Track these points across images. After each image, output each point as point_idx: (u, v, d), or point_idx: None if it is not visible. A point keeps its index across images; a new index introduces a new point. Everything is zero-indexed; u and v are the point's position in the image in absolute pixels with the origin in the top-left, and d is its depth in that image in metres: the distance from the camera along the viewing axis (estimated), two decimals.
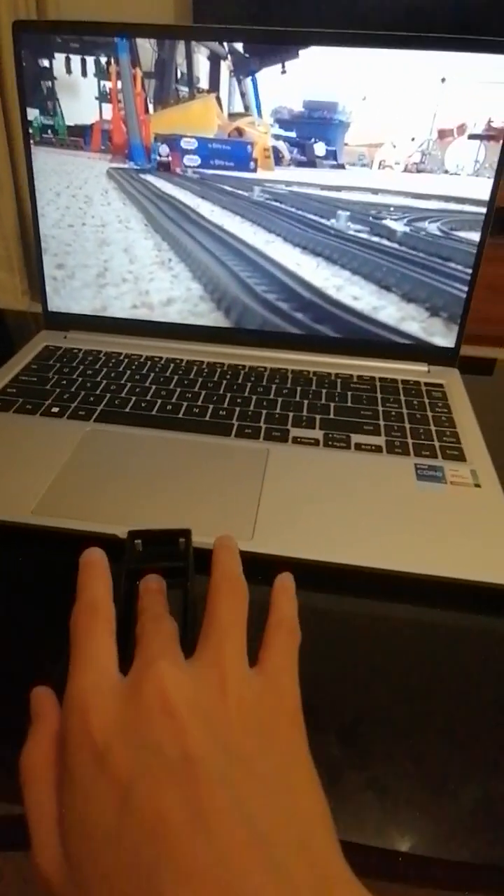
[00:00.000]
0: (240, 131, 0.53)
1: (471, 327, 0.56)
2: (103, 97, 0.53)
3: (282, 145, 0.53)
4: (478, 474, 0.43)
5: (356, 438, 0.47)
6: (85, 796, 0.19)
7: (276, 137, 0.53)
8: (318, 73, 0.50)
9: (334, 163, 0.53)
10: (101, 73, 0.52)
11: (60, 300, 0.61)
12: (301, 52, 0.49)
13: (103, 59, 0.51)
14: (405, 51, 0.48)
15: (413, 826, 0.26)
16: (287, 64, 0.50)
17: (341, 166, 0.53)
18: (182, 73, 0.51)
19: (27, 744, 0.22)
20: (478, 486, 0.42)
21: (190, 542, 0.28)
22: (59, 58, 0.52)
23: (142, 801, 0.18)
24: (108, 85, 0.52)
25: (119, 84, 0.52)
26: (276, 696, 0.22)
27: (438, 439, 0.47)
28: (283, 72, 0.50)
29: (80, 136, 0.55)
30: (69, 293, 0.60)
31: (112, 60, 0.51)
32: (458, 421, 0.49)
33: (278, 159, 0.53)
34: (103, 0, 1.18)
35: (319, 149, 0.53)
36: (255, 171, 0.54)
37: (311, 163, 0.53)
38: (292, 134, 0.52)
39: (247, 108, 0.52)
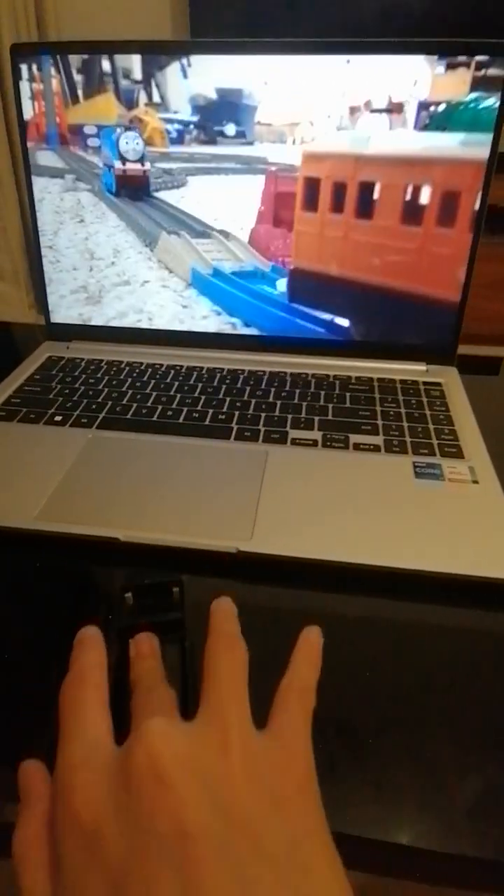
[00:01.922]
0: (139, 120, 0.54)
1: (476, 326, 0.56)
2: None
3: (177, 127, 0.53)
4: (476, 471, 0.43)
5: (354, 438, 0.47)
6: (75, 886, 0.17)
7: (186, 123, 0.53)
8: (226, 68, 0.50)
9: (244, 140, 0.53)
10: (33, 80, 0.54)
11: (60, 314, 0.62)
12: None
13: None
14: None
15: (413, 820, 0.26)
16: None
17: (250, 143, 0.53)
18: (104, 72, 0.52)
19: (18, 827, 0.20)
20: (476, 482, 0.42)
21: (184, 593, 0.26)
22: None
23: (135, 892, 0.16)
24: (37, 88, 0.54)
25: (41, 86, 0.54)
26: (286, 757, 0.20)
27: (436, 437, 0.47)
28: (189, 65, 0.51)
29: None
30: (66, 308, 0.62)
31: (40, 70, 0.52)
32: (456, 419, 0.50)
33: (181, 140, 0.54)
34: (102, 19, 1.21)
35: (230, 130, 0.53)
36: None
37: (213, 141, 0.53)
38: (197, 118, 0.52)
39: (160, 99, 0.52)
